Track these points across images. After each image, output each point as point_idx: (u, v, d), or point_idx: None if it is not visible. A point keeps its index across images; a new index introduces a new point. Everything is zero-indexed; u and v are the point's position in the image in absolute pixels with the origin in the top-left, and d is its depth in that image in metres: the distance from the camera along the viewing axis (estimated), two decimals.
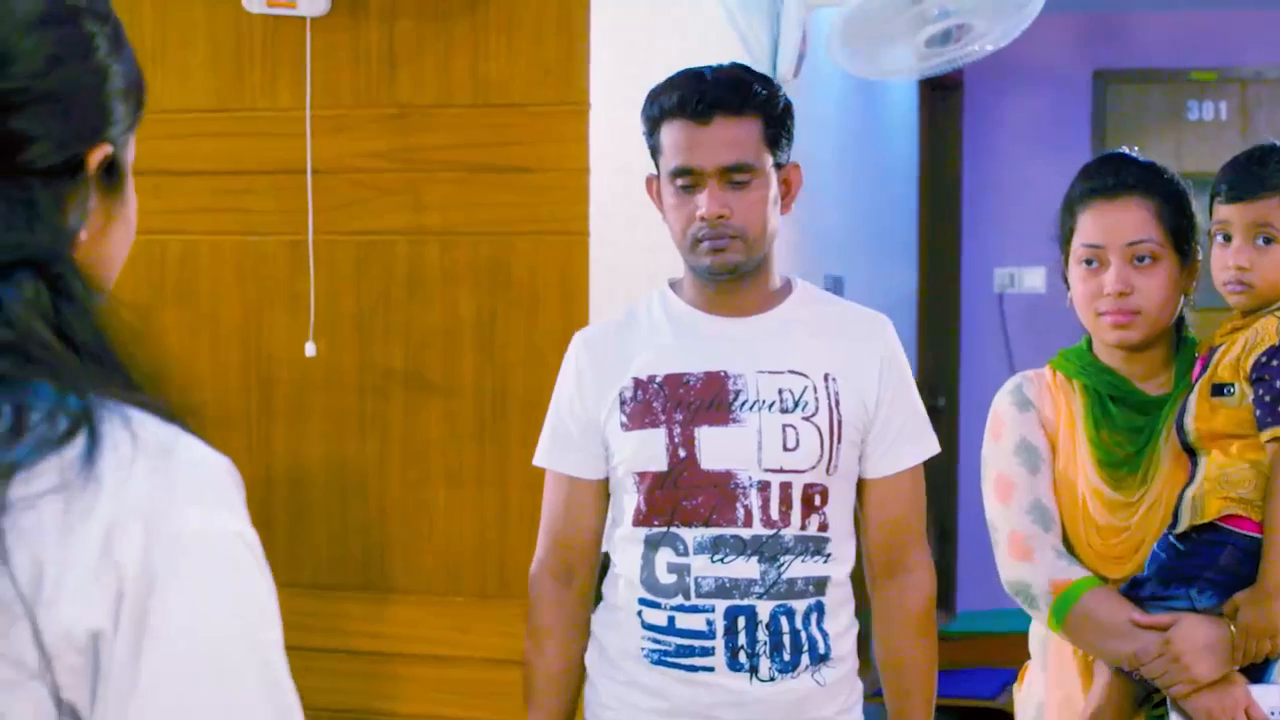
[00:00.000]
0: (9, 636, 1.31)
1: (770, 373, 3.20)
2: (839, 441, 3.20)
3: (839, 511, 3.23)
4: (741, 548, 3.16)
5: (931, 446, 3.35)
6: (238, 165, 4.43)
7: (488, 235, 4.24)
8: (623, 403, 3.24)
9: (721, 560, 3.15)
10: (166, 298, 4.48)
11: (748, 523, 3.16)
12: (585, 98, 4.14)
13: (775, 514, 3.16)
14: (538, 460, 3.38)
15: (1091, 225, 3.24)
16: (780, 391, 3.18)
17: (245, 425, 4.44)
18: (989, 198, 9.04)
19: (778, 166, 3.22)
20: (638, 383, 3.24)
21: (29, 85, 1.45)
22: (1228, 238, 3.16)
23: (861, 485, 3.30)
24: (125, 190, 1.58)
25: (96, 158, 1.52)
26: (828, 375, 3.21)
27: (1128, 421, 3.26)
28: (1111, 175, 3.27)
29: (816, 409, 3.19)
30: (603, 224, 4.20)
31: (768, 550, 3.15)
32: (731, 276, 3.21)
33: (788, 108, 3.25)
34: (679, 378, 3.21)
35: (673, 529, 3.18)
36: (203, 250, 4.47)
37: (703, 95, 3.15)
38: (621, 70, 4.32)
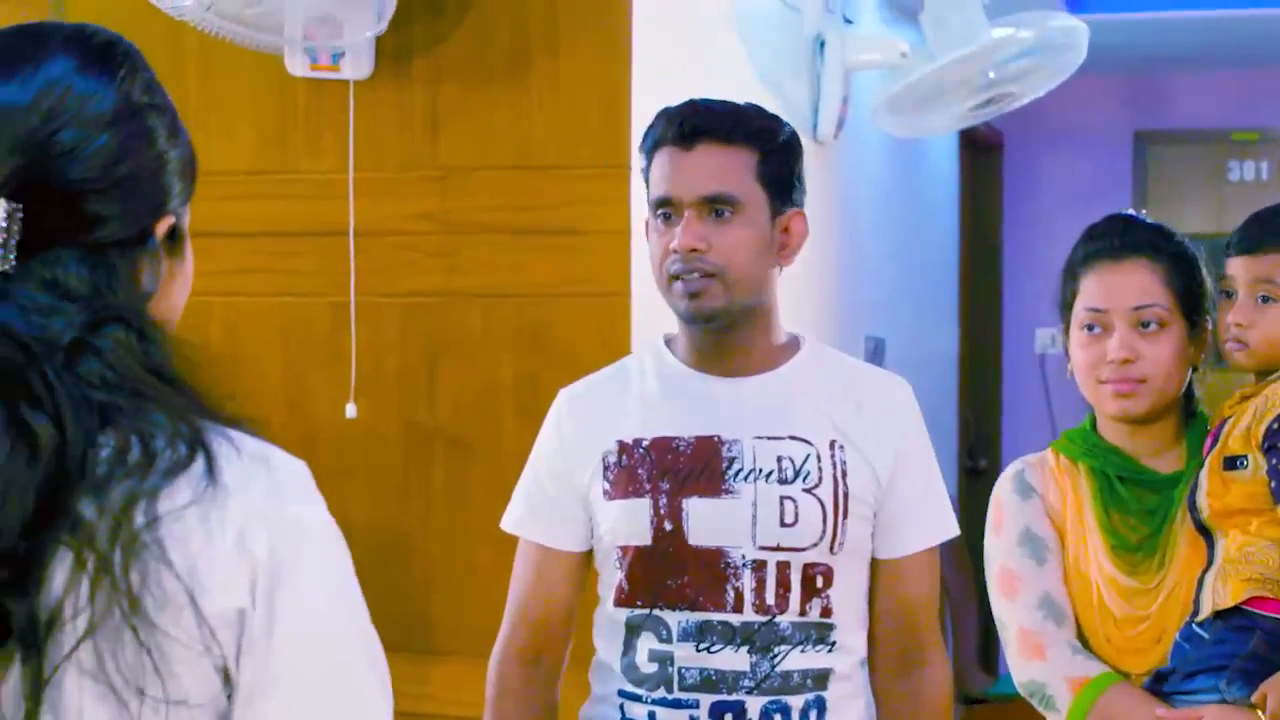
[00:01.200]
0: (180, 622, 1.63)
1: (769, 439, 2.86)
2: (845, 516, 2.85)
3: (847, 595, 2.89)
4: (730, 636, 2.81)
5: (949, 528, 3.02)
6: (281, 227, 4.46)
7: (529, 297, 4.25)
8: (606, 468, 2.91)
9: (708, 649, 2.82)
10: (209, 358, 4.49)
11: (738, 608, 2.81)
12: (626, 159, 4.16)
13: (770, 598, 2.81)
14: (506, 524, 3.09)
15: (1095, 288, 3.06)
16: (780, 460, 2.85)
17: None
18: (1030, 258, 9.03)
19: (776, 211, 2.90)
20: (622, 446, 2.91)
21: (102, 174, 1.73)
22: (1231, 294, 3.04)
23: (871, 566, 2.96)
24: (185, 250, 1.88)
25: (162, 228, 1.81)
26: (834, 443, 2.87)
27: (1139, 503, 3.06)
28: (1117, 236, 3.08)
29: (820, 480, 2.85)
30: (644, 286, 4.20)
31: (760, 639, 2.81)
32: (716, 327, 2.87)
33: (791, 147, 2.94)
34: (668, 442, 2.88)
35: (655, 611, 2.85)
36: (245, 311, 4.49)
37: (687, 120, 2.88)
38: None
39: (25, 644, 1.59)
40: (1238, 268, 3.03)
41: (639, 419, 2.92)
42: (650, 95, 4.25)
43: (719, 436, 2.87)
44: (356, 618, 1.79)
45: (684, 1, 4.62)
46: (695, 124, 2.87)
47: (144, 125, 1.81)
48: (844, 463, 2.87)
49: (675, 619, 2.83)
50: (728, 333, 2.90)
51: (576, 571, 3.02)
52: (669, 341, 3.04)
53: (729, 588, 2.81)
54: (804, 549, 2.83)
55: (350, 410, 4.33)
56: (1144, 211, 3.25)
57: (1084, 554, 3.05)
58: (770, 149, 2.90)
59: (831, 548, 2.85)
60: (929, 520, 2.99)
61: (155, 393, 1.72)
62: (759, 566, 2.81)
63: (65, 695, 1.61)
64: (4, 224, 1.67)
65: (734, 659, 2.80)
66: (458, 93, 4.31)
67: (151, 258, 1.79)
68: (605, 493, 2.89)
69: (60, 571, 1.60)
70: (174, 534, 1.65)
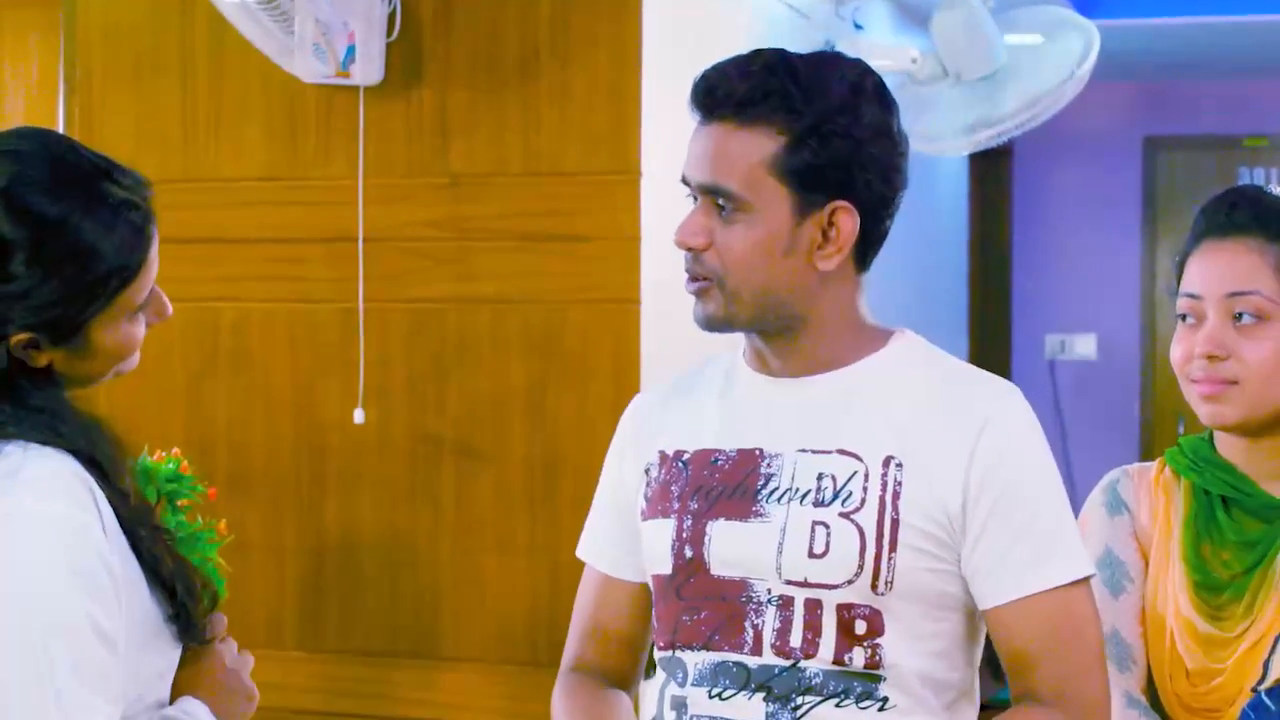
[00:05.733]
0: None
1: (813, 452, 2.35)
2: (892, 549, 2.28)
3: (912, 648, 2.32)
4: (744, 680, 2.33)
5: (1069, 567, 2.32)
6: (290, 233, 4.46)
7: (539, 304, 4.25)
8: (647, 483, 2.48)
9: (719, 695, 2.35)
10: (219, 364, 4.51)
11: (756, 649, 2.32)
12: (637, 166, 4.15)
13: (795, 640, 2.31)
14: (578, 550, 2.65)
15: (1193, 271, 2.54)
16: (820, 477, 2.33)
17: (296, 492, 4.45)
18: (1039, 264, 9.02)
19: (808, 206, 2.32)
20: (663, 459, 2.47)
21: None
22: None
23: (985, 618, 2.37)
24: (85, 342, 2.09)
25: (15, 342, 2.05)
26: (890, 459, 2.31)
27: (1239, 533, 2.53)
28: (1224, 213, 2.55)
29: (862, 503, 2.30)
30: (655, 293, 4.21)
31: (779, 686, 2.31)
32: (737, 333, 2.42)
33: (847, 123, 2.31)
34: (708, 455, 2.41)
35: (676, 652, 2.40)
36: (255, 317, 4.49)
37: (705, 85, 2.36)
38: (673, 139, 4.30)
39: None
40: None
41: (687, 428, 2.47)
42: (661, 103, 4.24)
43: (761, 450, 2.38)
44: (19, 609, 1.93)
45: (695, 9, 4.61)
46: (711, 92, 2.35)
47: None
48: (898, 484, 2.31)
49: (692, 660, 2.38)
50: (767, 339, 2.42)
51: (640, 604, 2.55)
52: None
53: (748, 625, 2.34)
54: (836, 586, 2.29)
55: (359, 416, 4.33)
56: (1273, 188, 2.64)
57: (1163, 588, 2.56)
58: (806, 130, 2.30)
59: (875, 585, 2.29)
60: (1033, 558, 2.30)
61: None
62: (785, 604, 2.31)
63: None
64: None
65: (746, 707, 2.33)
66: (468, 99, 4.31)
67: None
68: (642, 511, 2.47)
69: None
70: None
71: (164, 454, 3.78)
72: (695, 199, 2.37)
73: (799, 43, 5.30)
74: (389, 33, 4.30)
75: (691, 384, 2.54)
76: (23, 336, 2.03)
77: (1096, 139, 9.07)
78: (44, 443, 2.01)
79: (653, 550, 2.42)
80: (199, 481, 3.80)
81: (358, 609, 4.40)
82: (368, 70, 4.26)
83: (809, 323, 2.38)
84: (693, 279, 2.37)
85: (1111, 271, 8.89)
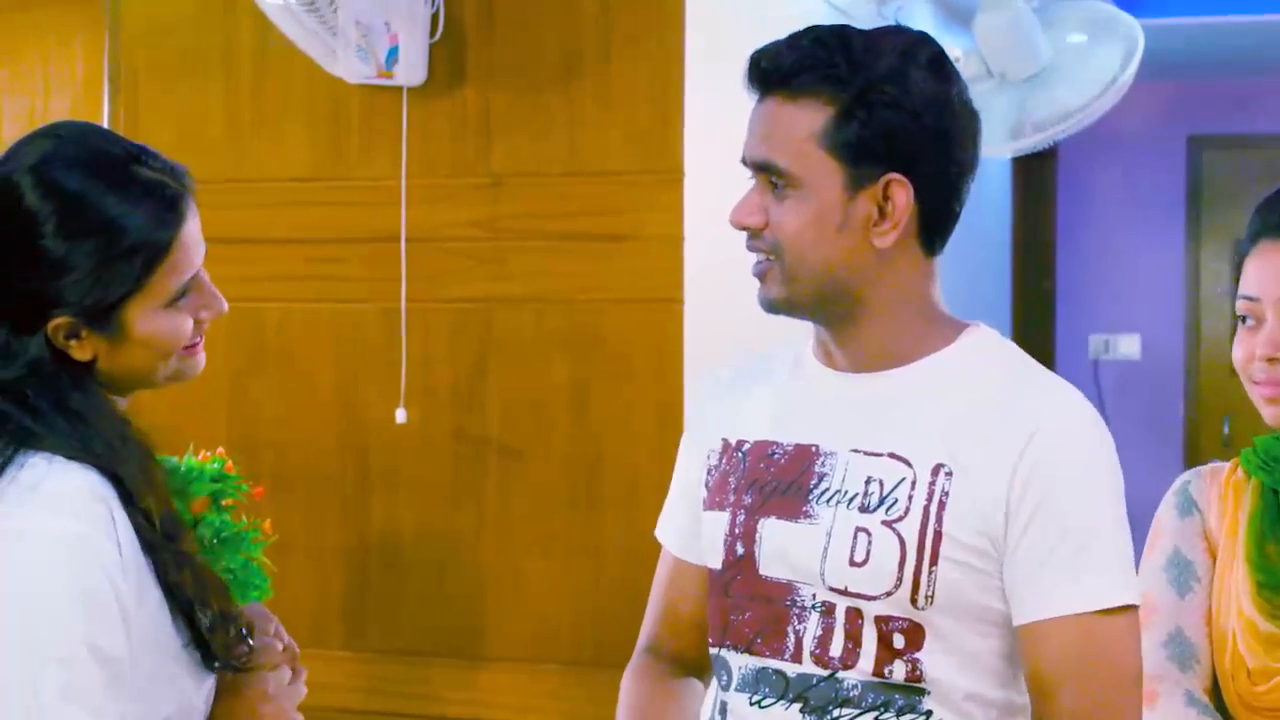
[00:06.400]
0: None
1: (865, 454, 2.25)
2: (933, 562, 2.18)
3: (958, 662, 2.22)
4: (783, 688, 2.26)
5: (1103, 592, 2.17)
6: (333, 234, 4.47)
7: (581, 303, 4.25)
8: (709, 471, 2.42)
9: (759, 704, 2.28)
10: (263, 364, 4.52)
11: (796, 656, 2.25)
12: (679, 165, 4.15)
13: (835, 649, 2.22)
14: (656, 529, 2.59)
15: (1250, 271, 2.50)
16: (868, 481, 2.23)
17: (340, 491, 4.46)
18: (1083, 264, 9.00)
19: (860, 180, 2.23)
20: (725, 446, 2.40)
21: None
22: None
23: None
24: (126, 328, 2.09)
25: (56, 327, 2.06)
26: (940, 467, 2.21)
27: None
28: (1278, 212, 2.51)
29: (906, 512, 2.20)
30: (697, 292, 4.20)
31: (815, 697, 2.23)
32: (795, 317, 2.34)
33: (900, 93, 2.22)
34: (767, 447, 2.34)
35: (722, 651, 2.34)
36: (297, 317, 4.50)
37: (757, 61, 2.28)
38: (715, 138, 4.32)
39: None
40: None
41: (750, 416, 2.39)
42: (703, 101, 4.24)
43: (817, 446, 2.29)
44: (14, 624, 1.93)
45: (736, 7, 4.61)
46: (763, 68, 2.27)
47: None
48: (945, 493, 2.20)
49: (736, 663, 2.31)
50: (831, 327, 2.33)
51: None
52: None
53: (790, 631, 2.26)
54: (875, 597, 2.20)
55: (400, 416, 4.34)
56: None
57: (1228, 588, 2.51)
58: (853, 100, 2.21)
59: (914, 599, 2.19)
60: (1063, 577, 2.17)
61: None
62: (827, 611, 2.23)
63: None
64: None
65: (784, 717, 2.26)
66: (510, 99, 4.32)
67: (64, 342, 2.06)
68: (704, 500, 2.41)
69: None
70: None
71: (208, 454, 3.79)
72: (753, 180, 2.30)
73: None
74: (432, 33, 4.30)
75: (759, 369, 2.46)
76: (61, 321, 2.03)
77: (1140, 139, 9.04)
78: (71, 457, 2.01)
79: (709, 543, 2.36)
80: (244, 481, 3.81)
81: (400, 608, 4.41)
82: (411, 71, 4.26)
83: (871, 307, 2.28)
84: (755, 256, 2.29)
85: (1155, 272, 8.87)
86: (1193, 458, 8.33)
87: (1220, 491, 2.57)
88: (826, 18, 5.16)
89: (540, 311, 4.29)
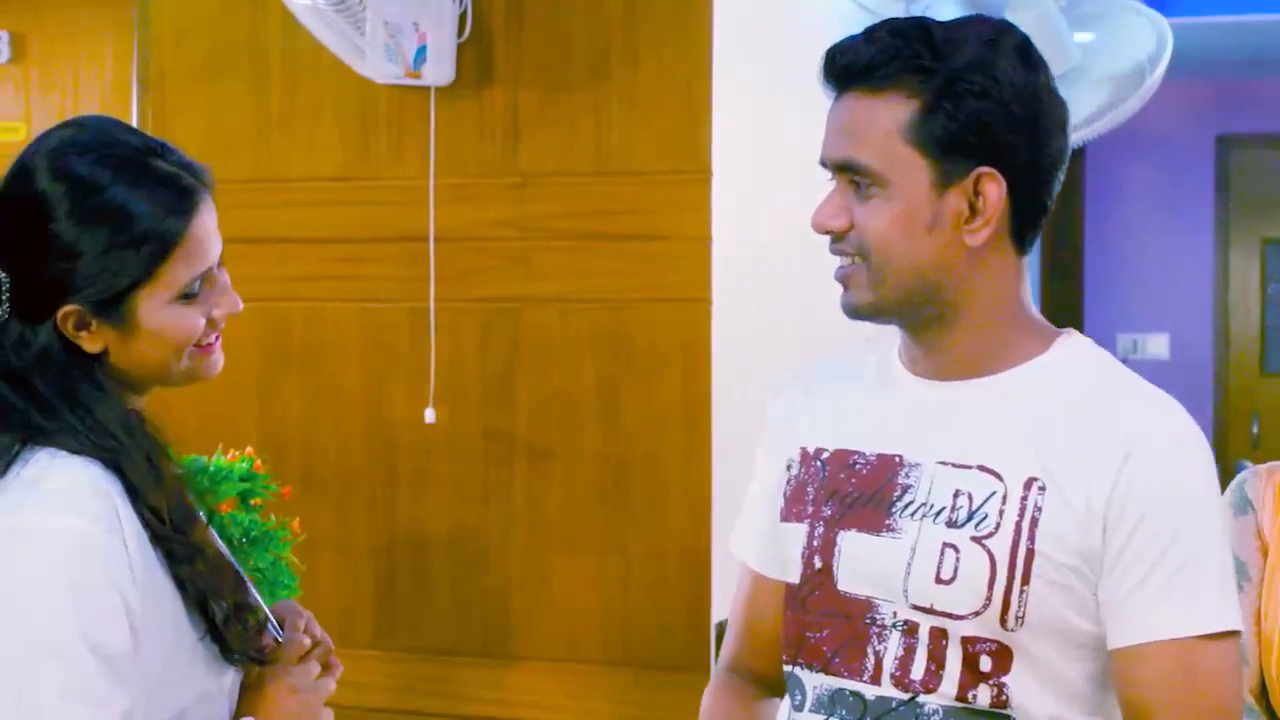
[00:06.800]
0: None
1: (953, 466, 2.14)
2: (1025, 581, 2.06)
3: (1046, 687, 2.10)
4: (860, 711, 2.15)
5: (1201, 617, 2.04)
6: (361, 233, 4.48)
7: (609, 303, 4.26)
8: (787, 481, 2.29)
9: None
10: (291, 362, 4.53)
11: (875, 678, 2.14)
12: (708, 166, 4.15)
13: (917, 672, 2.11)
14: (731, 544, 2.47)
15: None
16: (956, 495, 2.12)
17: (369, 490, 4.47)
18: (1111, 264, 8.97)
19: (949, 176, 2.11)
20: (803, 455, 2.28)
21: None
22: None
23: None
24: (134, 319, 2.07)
25: (65, 316, 2.05)
26: (1033, 481, 2.08)
27: None
28: None
29: (997, 528, 2.08)
30: (725, 292, 4.20)
31: None
32: (881, 322, 2.22)
33: (986, 83, 2.09)
34: (847, 457, 2.23)
35: (796, 669, 2.23)
36: (326, 316, 4.51)
37: (834, 57, 2.15)
38: (744, 138, 4.32)
39: None
40: None
41: (830, 423, 2.28)
42: (731, 102, 4.24)
43: (901, 457, 2.18)
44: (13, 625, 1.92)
45: (765, 8, 4.61)
46: (841, 64, 2.15)
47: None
48: (1038, 509, 2.08)
49: (811, 683, 2.20)
50: (918, 333, 2.22)
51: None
52: None
53: (870, 651, 2.15)
54: (962, 617, 2.08)
55: (429, 415, 4.35)
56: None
57: (1274, 591, 2.49)
58: (939, 90, 2.10)
59: (1004, 620, 2.07)
60: (1159, 600, 2.05)
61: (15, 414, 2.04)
62: (910, 630, 2.12)
63: None
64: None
65: None
66: (538, 99, 4.32)
67: (77, 331, 2.06)
68: (781, 511, 2.28)
69: None
70: None
71: (237, 453, 3.80)
72: (834, 181, 2.17)
73: None
74: (460, 33, 4.31)
75: (839, 374, 2.34)
76: (71, 310, 2.03)
77: (1168, 138, 9.01)
78: (75, 451, 2.01)
79: (786, 555, 2.24)
80: (272, 480, 3.82)
81: (429, 607, 4.42)
82: (439, 71, 4.27)
83: (963, 312, 2.17)
84: (839, 260, 2.16)
85: (1184, 271, 8.84)
86: (1221, 458, 8.31)
87: (1276, 491, 2.53)
88: (854, 16, 5.16)
89: (568, 311, 4.30)
